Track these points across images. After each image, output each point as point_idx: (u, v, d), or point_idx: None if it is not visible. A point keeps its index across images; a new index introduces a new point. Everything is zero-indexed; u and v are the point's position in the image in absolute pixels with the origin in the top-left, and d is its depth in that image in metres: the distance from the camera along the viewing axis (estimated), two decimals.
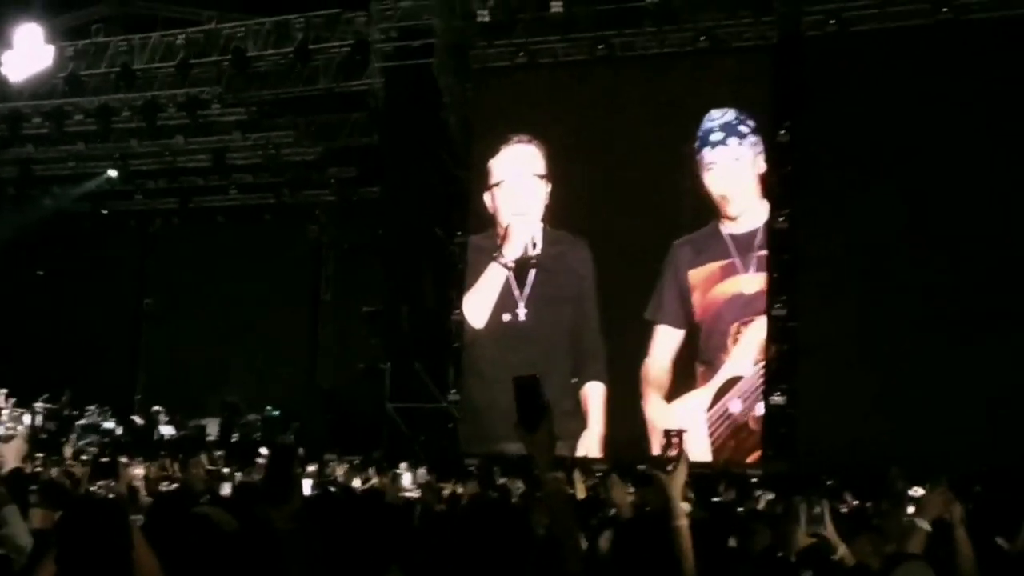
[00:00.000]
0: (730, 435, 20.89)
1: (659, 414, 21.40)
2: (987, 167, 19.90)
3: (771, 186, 21.44)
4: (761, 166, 21.57)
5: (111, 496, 6.66)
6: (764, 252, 21.32)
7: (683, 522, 4.88)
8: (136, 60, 26.25)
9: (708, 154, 21.84)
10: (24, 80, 25.86)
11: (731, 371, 21.17)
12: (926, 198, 20.09)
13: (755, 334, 21.15)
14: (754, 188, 21.62)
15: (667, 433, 5.02)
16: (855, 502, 15.23)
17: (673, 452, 4.92)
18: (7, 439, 11.67)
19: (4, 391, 25.42)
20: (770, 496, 15.48)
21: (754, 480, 18.80)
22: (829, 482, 17.38)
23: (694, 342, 21.58)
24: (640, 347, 21.86)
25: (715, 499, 13.96)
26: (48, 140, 28.75)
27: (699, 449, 20.26)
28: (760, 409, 20.88)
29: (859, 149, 20.71)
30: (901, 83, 20.45)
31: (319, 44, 24.90)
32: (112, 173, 29.55)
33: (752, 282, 21.36)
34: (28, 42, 25.06)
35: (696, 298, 21.66)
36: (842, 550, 5.88)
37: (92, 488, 7.60)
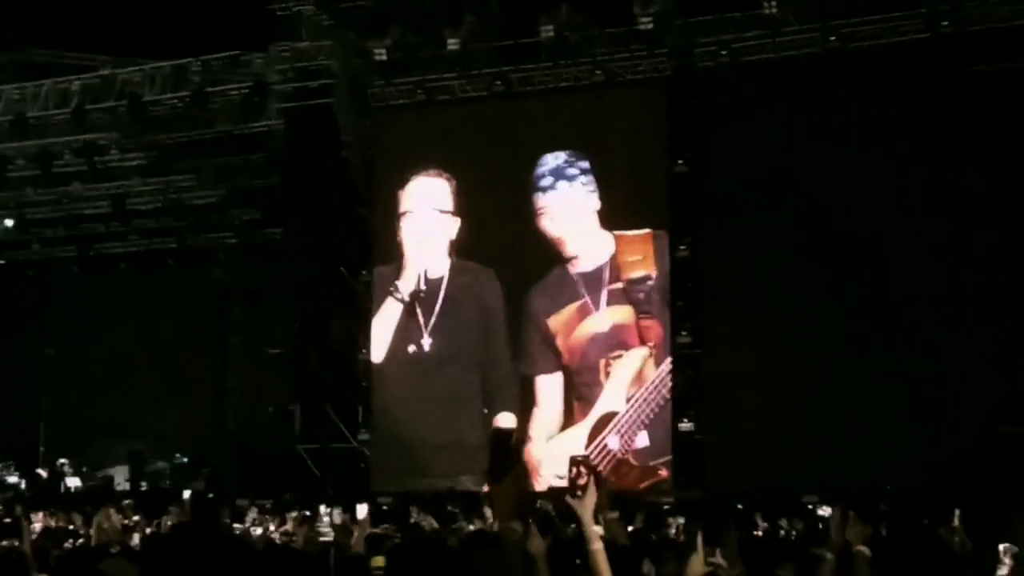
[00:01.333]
0: (611, 471, 20.96)
1: (541, 453, 21.52)
2: (881, 190, 20.38)
3: (670, 215, 21.72)
4: (596, 203, 21.90)
5: (15, 556, 6.58)
6: (618, 285, 21.57)
7: (598, 545, 4.95)
8: (30, 107, 25.89)
9: (540, 199, 22.20)
10: None
11: (605, 407, 21.37)
12: (823, 223, 20.52)
13: (625, 369, 21.38)
14: (591, 226, 21.93)
15: (574, 460, 5.11)
16: (765, 525, 15.45)
17: (583, 482, 5.01)
18: None
19: None
20: (681, 521, 15.68)
21: (666, 507, 18.97)
22: (740, 506, 17.63)
23: (569, 380, 21.82)
24: (530, 393, 22.04)
25: (630, 527, 14.10)
26: None
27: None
28: (641, 442, 21.06)
29: (756, 176, 21.09)
30: (794, 111, 20.89)
31: (217, 87, 24.77)
32: (8, 223, 29.06)
33: (604, 319, 21.63)
34: None
35: (560, 343, 21.91)
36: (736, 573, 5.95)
37: None
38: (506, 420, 21.95)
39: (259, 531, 14.91)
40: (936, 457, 18.54)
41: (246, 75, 24.59)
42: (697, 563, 5.44)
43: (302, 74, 23.86)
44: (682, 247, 21.51)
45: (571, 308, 21.85)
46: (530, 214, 22.34)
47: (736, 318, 20.98)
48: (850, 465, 19.18)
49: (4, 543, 7.39)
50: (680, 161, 21.77)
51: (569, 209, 22.07)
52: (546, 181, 22.18)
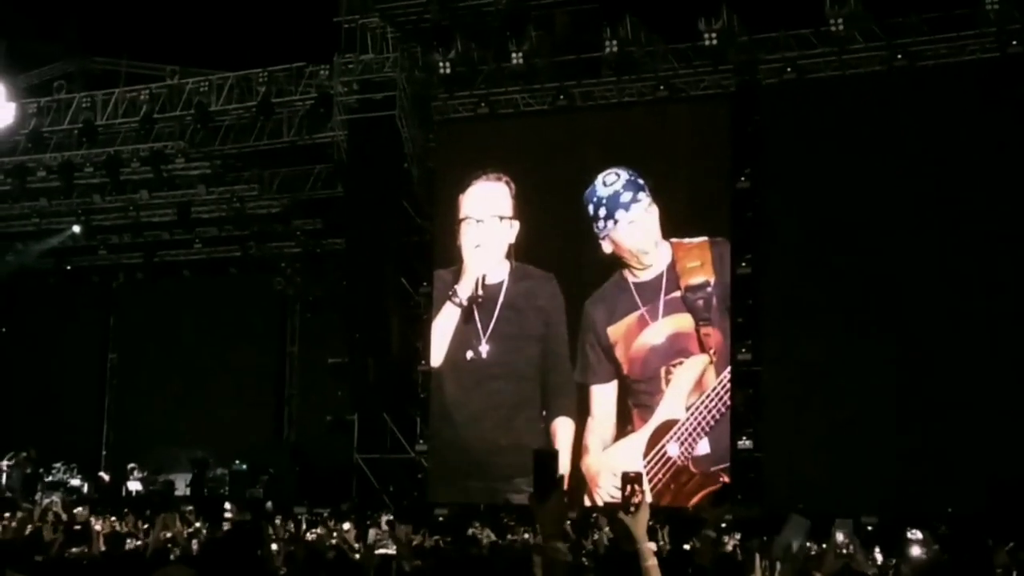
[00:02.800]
0: (670, 478, 20.98)
1: (598, 461, 21.53)
2: (943, 208, 20.19)
3: (732, 232, 21.63)
4: (656, 213, 21.80)
5: (84, 562, 6.69)
6: (676, 294, 21.47)
7: (652, 562, 4.97)
8: (99, 116, 26.27)
9: (607, 226, 22.01)
10: None
11: (665, 414, 21.32)
12: (886, 242, 20.36)
13: (685, 377, 21.31)
14: (656, 237, 21.85)
15: (626, 476, 5.10)
16: (823, 545, 15.32)
17: (637, 500, 5.05)
18: None
19: None
20: (738, 538, 15.58)
21: (723, 524, 18.88)
22: None
23: (627, 389, 21.76)
24: (585, 401, 22.01)
25: (685, 546, 14.04)
26: (11, 197, 28.66)
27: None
28: (702, 449, 20.98)
29: (819, 194, 20.98)
30: (859, 129, 20.76)
31: (282, 98, 25.05)
32: (76, 229, 29.52)
33: (663, 329, 21.55)
34: None
35: (620, 353, 21.85)
36: None
37: (65, 555, 7.62)
38: (564, 425, 21.98)
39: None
40: (994, 479, 18.34)
41: (311, 86, 24.83)
42: None
43: (366, 86, 24.06)
44: (743, 264, 21.41)
45: (631, 318, 21.80)
46: (589, 227, 22.32)
47: (796, 336, 20.86)
48: (910, 486, 19.01)
49: (75, 549, 7.53)
50: (742, 177, 21.70)
51: (637, 230, 21.96)
52: (609, 206, 22.00)
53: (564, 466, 21.79)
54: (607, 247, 22.03)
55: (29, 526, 12.91)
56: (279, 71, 25.07)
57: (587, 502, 21.33)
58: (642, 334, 21.68)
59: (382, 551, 9.15)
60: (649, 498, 18.54)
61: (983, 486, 18.26)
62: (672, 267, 21.64)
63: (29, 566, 8.00)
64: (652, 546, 5.11)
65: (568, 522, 14.25)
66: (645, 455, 21.21)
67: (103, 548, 8.71)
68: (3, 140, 26.50)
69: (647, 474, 20.82)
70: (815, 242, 20.91)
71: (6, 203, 29.05)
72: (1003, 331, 19.48)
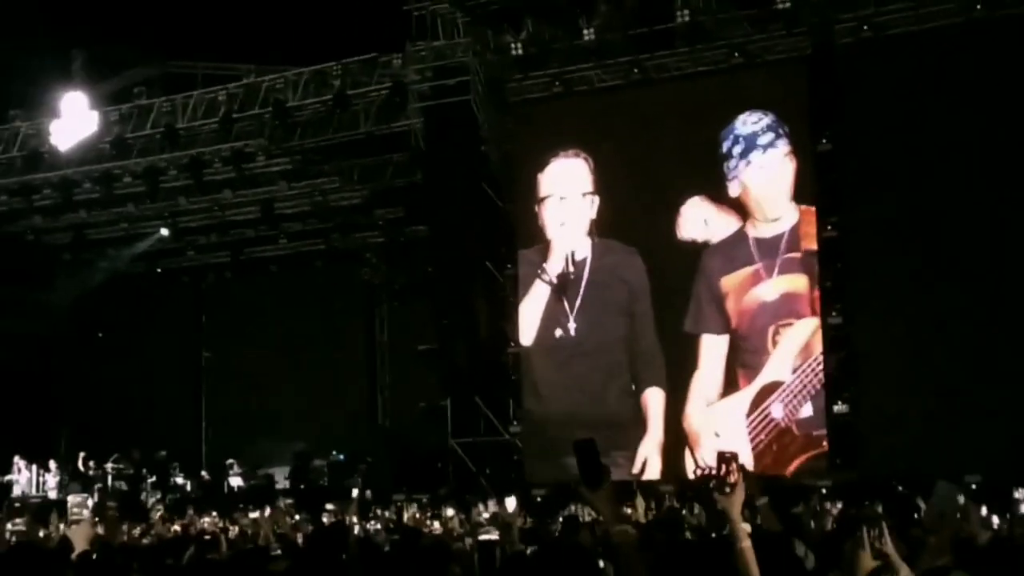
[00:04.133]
0: (772, 440, 20.91)
1: (700, 420, 21.50)
2: None
3: (817, 195, 21.40)
4: (792, 168, 21.58)
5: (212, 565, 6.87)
6: (795, 255, 21.33)
7: (746, 543, 4.95)
8: (179, 119, 26.59)
9: (757, 158, 21.77)
10: (72, 147, 26.28)
11: (771, 375, 21.21)
12: (973, 200, 20.00)
13: (793, 338, 21.17)
14: (787, 193, 21.66)
15: (721, 455, 5.09)
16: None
17: (733, 479, 4.98)
18: (75, 522, 11.97)
19: (83, 454, 25.97)
20: (839, 506, 15.46)
21: (824, 491, 18.77)
22: (900, 488, 17.32)
23: (734, 346, 21.66)
24: (692, 354, 21.94)
25: (793, 511, 13.97)
26: (99, 204, 29.12)
27: (740, 454, 19.97)
28: (805, 412, 20.82)
29: (902, 153, 20.66)
30: (940, 84, 20.38)
31: (357, 89, 25.16)
32: (163, 232, 29.98)
33: (776, 287, 21.40)
34: (73, 110, 25.52)
35: (730, 305, 21.78)
36: (904, 573, 5.84)
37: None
38: (655, 396, 22.02)
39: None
40: None
41: (385, 76, 24.92)
42: (866, 559, 5.33)
43: (439, 72, 24.09)
44: (828, 227, 21.19)
45: (745, 272, 21.68)
46: (671, 199, 22.24)
47: (887, 297, 20.60)
48: (1010, 444, 18.70)
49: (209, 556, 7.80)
50: (824, 140, 21.44)
51: (767, 177, 21.71)
52: (746, 143, 21.79)
53: (657, 435, 21.88)
54: (734, 189, 21.86)
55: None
56: (352, 63, 25.18)
57: (688, 461, 21.29)
58: (754, 288, 21.56)
59: (485, 536, 9.21)
60: (750, 465, 18.36)
61: None
62: (796, 229, 21.47)
63: (160, 570, 8.21)
64: (747, 527, 5.10)
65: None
66: (748, 415, 21.15)
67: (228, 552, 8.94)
68: (88, 149, 26.95)
69: (749, 434, 20.77)
70: (902, 201, 20.58)
71: (95, 210, 29.54)
72: None
